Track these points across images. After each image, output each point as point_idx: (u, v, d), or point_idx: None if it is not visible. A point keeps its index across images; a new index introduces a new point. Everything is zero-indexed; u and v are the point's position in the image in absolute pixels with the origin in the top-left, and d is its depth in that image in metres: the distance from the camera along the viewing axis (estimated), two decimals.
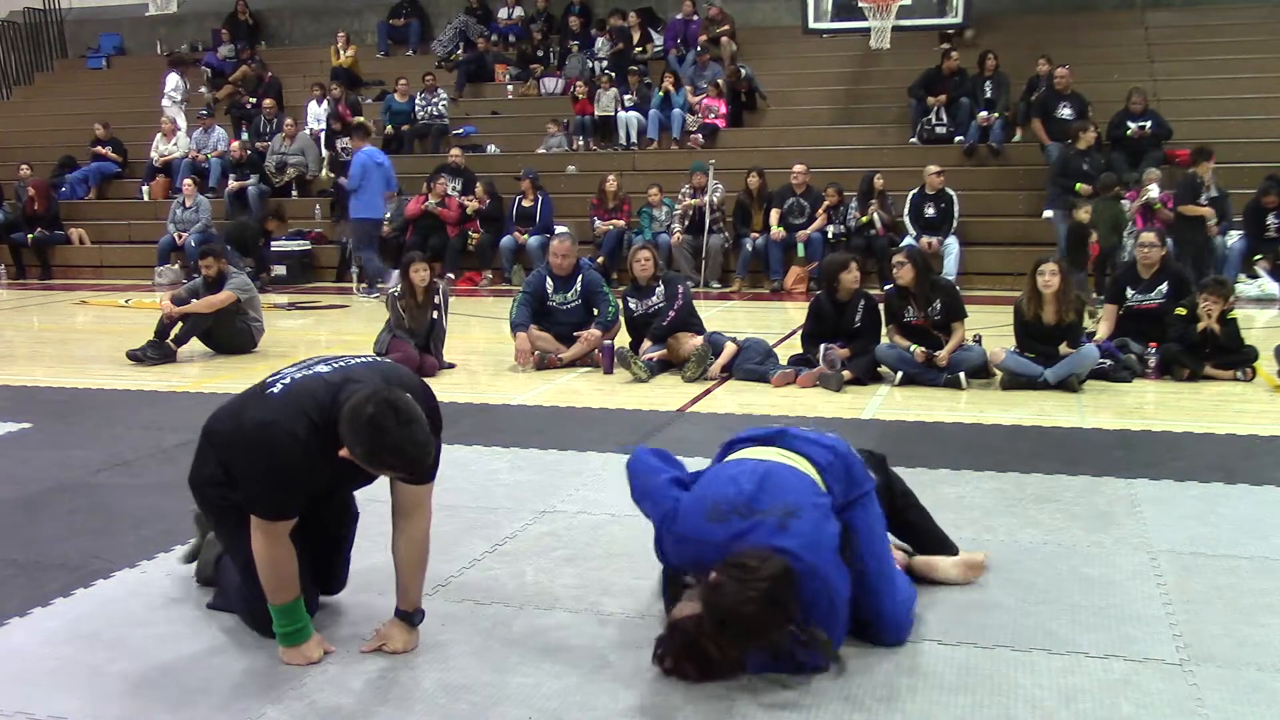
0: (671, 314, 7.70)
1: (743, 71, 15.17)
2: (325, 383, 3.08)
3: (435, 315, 7.75)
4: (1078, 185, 11.04)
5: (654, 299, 7.84)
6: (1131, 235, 9.93)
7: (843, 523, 3.15)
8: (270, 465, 2.99)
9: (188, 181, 14.59)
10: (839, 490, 3.20)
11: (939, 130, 13.99)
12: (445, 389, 7.19)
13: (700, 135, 14.83)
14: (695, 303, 8.07)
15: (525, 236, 13.17)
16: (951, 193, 12.25)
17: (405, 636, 3.22)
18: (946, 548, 3.72)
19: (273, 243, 13.92)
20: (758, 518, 3.03)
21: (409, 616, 3.23)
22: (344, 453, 2.95)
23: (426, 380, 7.48)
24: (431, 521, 3.29)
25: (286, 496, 3.04)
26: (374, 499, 4.22)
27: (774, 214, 12.61)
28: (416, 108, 15.78)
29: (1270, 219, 11.16)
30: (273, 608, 3.12)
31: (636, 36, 16.68)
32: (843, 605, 3.04)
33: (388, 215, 13.71)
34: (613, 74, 15.75)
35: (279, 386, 3.12)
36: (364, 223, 12.18)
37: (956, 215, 12.22)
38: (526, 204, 13.34)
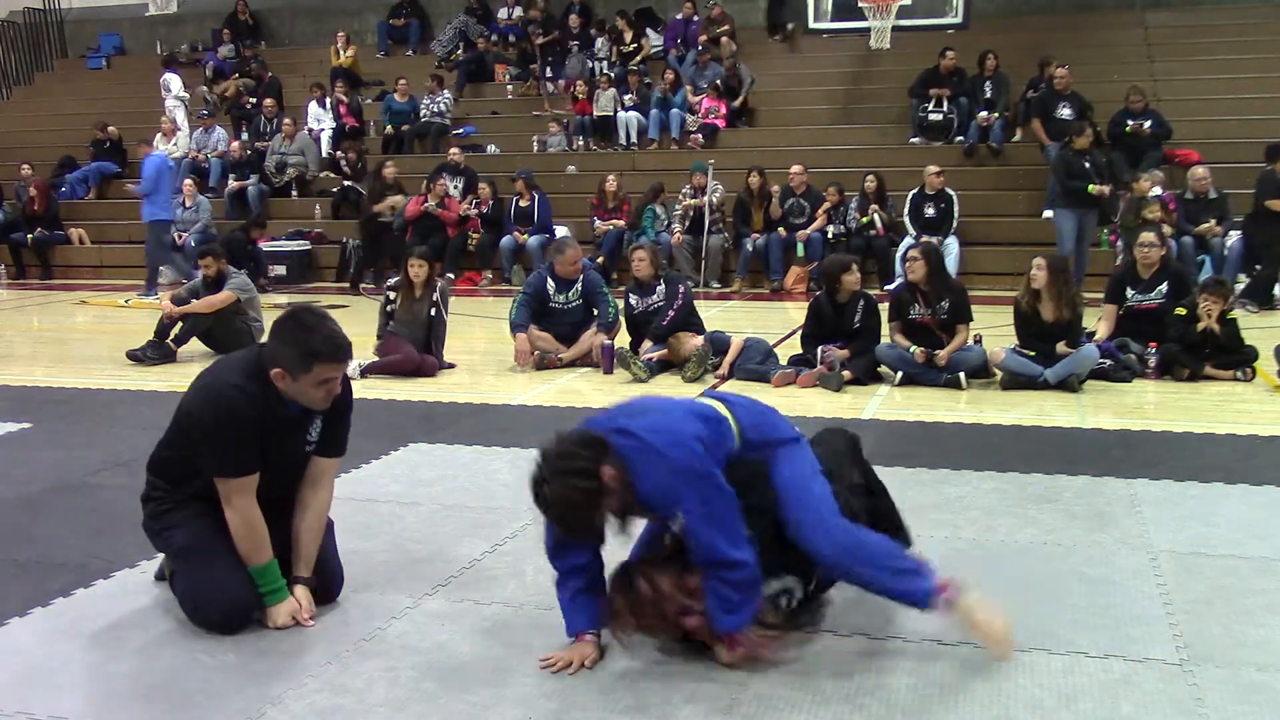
0: (671, 313, 7.70)
1: (739, 67, 15.19)
2: (251, 349, 3.51)
3: (434, 314, 7.76)
4: (1090, 186, 10.99)
5: (654, 298, 7.84)
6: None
7: (761, 461, 3.15)
8: (220, 419, 3.28)
9: (188, 182, 14.57)
10: (748, 422, 3.17)
11: (934, 118, 13.91)
12: (445, 389, 7.20)
13: (700, 135, 14.83)
14: (695, 303, 8.07)
15: (525, 237, 13.17)
16: (951, 193, 12.25)
17: (311, 601, 3.43)
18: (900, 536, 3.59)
19: (261, 247, 13.62)
20: (620, 415, 3.13)
21: (310, 582, 3.47)
22: (278, 377, 3.26)
23: (426, 379, 7.56)
24: (331, 499, 3.59)
25: (241, 448, 3.30)
26: (373, 499, 4.20)
27: (774, 204, 12.57)
28: (421, 108, 15.79)
29: None
30: (253, 569, 3.36)
31: (629, 36, 16.68)
32: (715, 494, 2.97)
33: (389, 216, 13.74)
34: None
35: (211, 364, 3.55)
36: (157, 224, 12.58)
37: (956, 215, 12.23)
38: (523, 204, 13.35)
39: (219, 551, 3.36)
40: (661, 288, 7.86)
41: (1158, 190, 11.26)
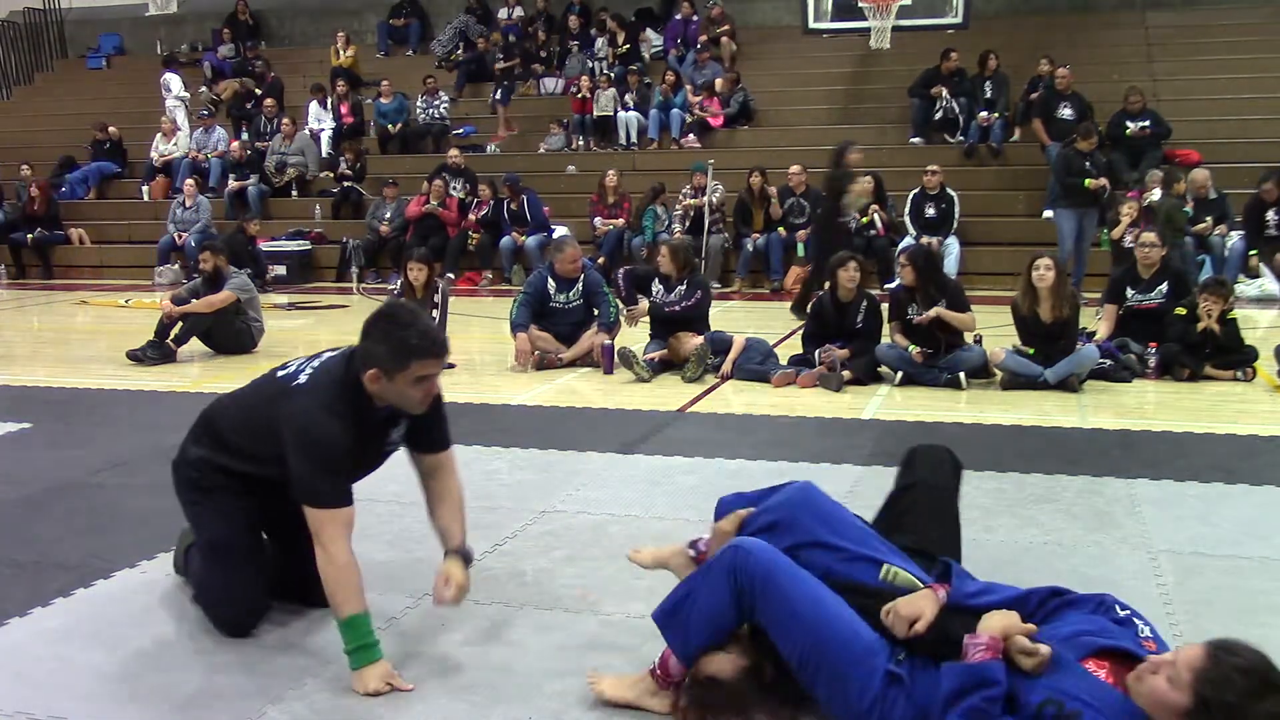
0: (687, 304, 7.72)
1: (739, 82, 15.19)
2: (339, 354, 3.25)
3: (435, 315, 7.75)
4: (1086, 181, 10.98)
5: (673, 296, 7.83)
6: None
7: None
8: (324, 449, 3.05)
9: (189, 182, 14.58)
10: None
11: (949, 113, 13.87)
12: (445, 389, 7.17)
13: (692, 134, 14.80)
14: None
15: (524, 237, 13.17)
16: (952, 193, 12.26)
17: (464, 571, 3.27)
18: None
19: (259, 245, 13.54)
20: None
21: (463, 552, 3.32)
22: (371, 379, 3.06)
23: None
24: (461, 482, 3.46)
25: (342, 477, 3.11)
26: (373, 499, 4.19)
27: (774, 204, 12.58)
28: (418, 110, 15.79)
29: (1270, 214, 10.98)
30: (340, 623, 3.01)
31: (621, 37, 16.65)
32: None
33: (388, 215, 13.75)
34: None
35: (303, 377, 3.21)
36: None
37: (957, 215, 12.23)
38: (513, 207, 13.34)
39: (246, 553, 3.33)
40: (682, 289, 7.83)
41: (1157, 191, 11.26)
